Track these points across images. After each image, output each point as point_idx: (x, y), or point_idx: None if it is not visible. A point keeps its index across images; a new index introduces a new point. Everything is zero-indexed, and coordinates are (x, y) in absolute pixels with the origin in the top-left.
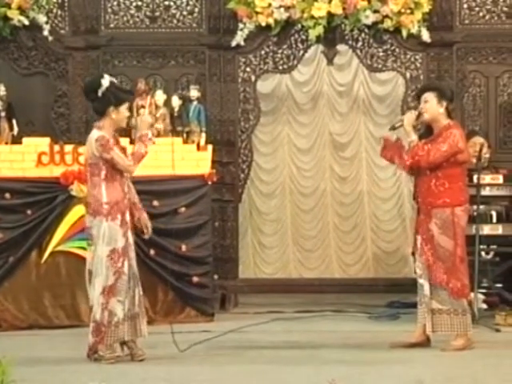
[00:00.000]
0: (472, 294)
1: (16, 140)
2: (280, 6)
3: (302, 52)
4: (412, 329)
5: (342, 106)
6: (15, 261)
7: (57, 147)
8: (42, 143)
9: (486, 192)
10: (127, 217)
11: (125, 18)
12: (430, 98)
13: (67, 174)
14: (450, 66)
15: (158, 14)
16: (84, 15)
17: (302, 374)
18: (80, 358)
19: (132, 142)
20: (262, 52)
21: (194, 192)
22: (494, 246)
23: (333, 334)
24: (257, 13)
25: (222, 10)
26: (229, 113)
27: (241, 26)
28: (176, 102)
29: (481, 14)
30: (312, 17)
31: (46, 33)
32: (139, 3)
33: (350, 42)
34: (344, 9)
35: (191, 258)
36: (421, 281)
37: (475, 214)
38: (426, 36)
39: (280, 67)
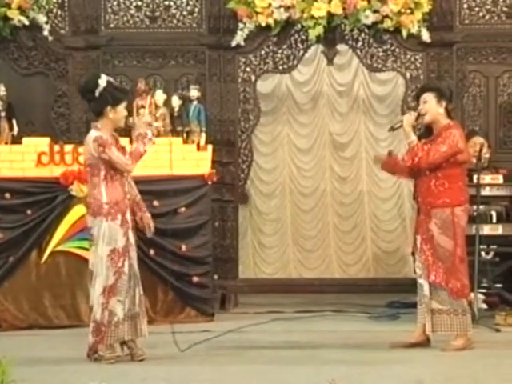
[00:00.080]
0: (472, 294)
1: (16, 140)
2: (280, 6)
3: (302, 52)
4: (412, 329)
5: (342, 105)
6: (15, 261)
7: (57, 147)
8: (42, 143)
9: (485, 192)
10: (128, 216)
11: (125, 18)
12: (429, 98)
13: (67, 174)
14: (450, 66)
15: (157, 13)
16: (84, 15)
17: (302, 374)
18: (80, 358)
19: (132, 141)
20: (262, 52)
21: (194, 192)
22: (494, 246)
23: (333, 333)
24: (257, 13)
25: (222, 10)
26: (229, 113)
27: (241, 25)
28: (176, 101)
29: (481, 14)
30: (312, 17)
31: (45, 33)
32: (139, 3)
33: (350, 42)
34: (344, 9)
35: (191, 258)
36: (420, 281)
37: (475, 213)
38: (425, 36)
39: (280, 67)
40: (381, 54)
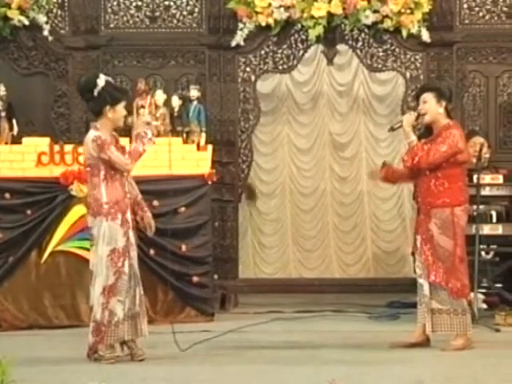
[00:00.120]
0: (472, 294)
1: (16, 140)
2: (280, 6)
3: (301, 52)
4: (412, 329)
5: (342, 105)
6: (15, 261)
7: (57, 147)
8: (42, 143)
9: (485, 192)
10: (128, 216)
11: (125, 18)
12: (428, 98)
13: (67, 174)
14: (450, 66)
15: (157, 14)
16: (84, 15)
17: (302, 374)
18: (80, 358)
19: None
20: (262, 52)
21: (194, 192)
22: (494, 246)
23: (333, 333)
24: (257, 13)
25: (221, 10)
26: (229, 113)
27: (241, 25)
28: (176, 101)
29: (481, 14)
30: (312, 17)
31: (45, 33)
32: (139, 3)
33: (350, 42)
34: (344, 9)
35: (191, 258)
36: (420, 281)
37: (475, 213)
38: (425, 36)
39: (280, 67)
40: (381, 53)
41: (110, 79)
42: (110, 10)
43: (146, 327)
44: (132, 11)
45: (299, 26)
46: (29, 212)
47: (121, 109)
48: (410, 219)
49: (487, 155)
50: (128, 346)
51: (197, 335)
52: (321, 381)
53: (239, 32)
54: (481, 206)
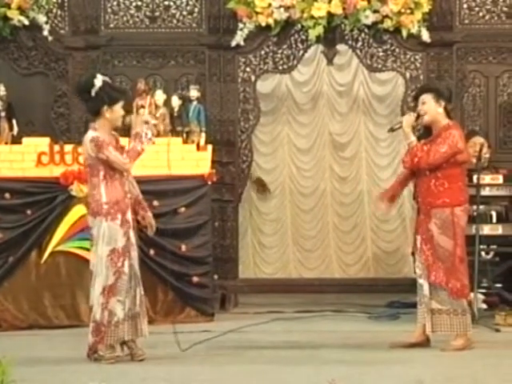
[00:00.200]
0: (472, 294)
1: (16, 140)
2: (280, 6)
3: (301, 52)
4: (412, 329)
5: (342, 105)
6: (15, 261)
7: (57, 147)
8: (42, 143)
9: (485, 192)
10: (129, 216)
11: (125, 18)
12: (427, 99)
13: (67, 174)
14: (449, 66)
15: (157, 14)
16: (84, 15)
17: (302, 374)
18: (80, 358)
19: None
20: (262, 52)
21: (194, 192)
22: (494, 246)
23: (333, 333)
24: (257, 13)
25: (221, 10)
26: (229, 113)
27: (241, 25)
28: (176, 101)
29: (481, 14)
30: (312, 17)
31: (45, 33)
32: (139, 3)
33: (350, 42)
34: (344, 9)
35: (191, 258)
36: (420, 281)
37: (475, 213)
38: (425, 36)
39: (280, 67)
40: (381, 53)
41: (107, 79)
42: (109, 10)
43: (147, 327)
44: (132, 11)
45: (299, 26)
46: (29, 212)
47: (118, 109)
48: (410, 219)
49: (487, 155)
50: (128, 346)
51: (197, 335)
52: (321, 381)
53: (239, 32)
54: (481, 206)
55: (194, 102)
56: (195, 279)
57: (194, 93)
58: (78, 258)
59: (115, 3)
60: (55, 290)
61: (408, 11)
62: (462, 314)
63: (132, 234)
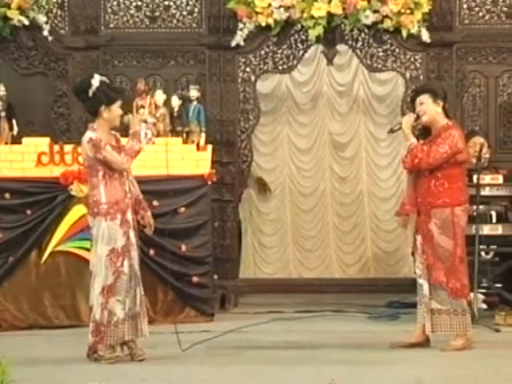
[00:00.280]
0: (472, 294)
1: (16, 140)
2: (280, 6)
3: (301, 52)
4: (412, 329)
5: (342, 105)
6: (15, 261)
7: (56, 147)
8: (42, 143)
9: (485, 192)
10: (129, 216)
11: (125, 18)
12: (425, 99)
13: (67, 174)
14: (449, 66)
15: (157, 14)
16: (84, 15)
17: (301, 374)
18: (80, 358)
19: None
20: (262, 52)
21: (194, 192)
22: (494, 246)
23: (333, 333)
24: (257, 13)
25: (221, 10)
26: (229, 113)
27: (241, 25)
28: (176, 101)
29: (480, 14)
30: (312, 17)
31: (45, 33)
32: (139, 3)
33: (350, 42)
34: (344, 9)
35: (191, 258)
36: (420, 281)
37: (475, 214)
38: (425, 36)
39: (280, 67)
40: (381, 54)
41: (104, 79)
42: (109, 10)
43: (147, 327)
44: (132, 11)
45: (299, 26)
46: (29, 212)
47: (116, 108)
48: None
49: (487, 155)
50: (128, 346)
51: (197, 335)
52: (321, 381)
53: (239, 32)
54: (481, 206)
55: (194, 102)
56: (195, 279)
57: (193, 93)
58: (77, 258)
59: (115, 3)
60: (55, 289)
61: (408, 11)
62: (461, 314)
63: (132, 234)
